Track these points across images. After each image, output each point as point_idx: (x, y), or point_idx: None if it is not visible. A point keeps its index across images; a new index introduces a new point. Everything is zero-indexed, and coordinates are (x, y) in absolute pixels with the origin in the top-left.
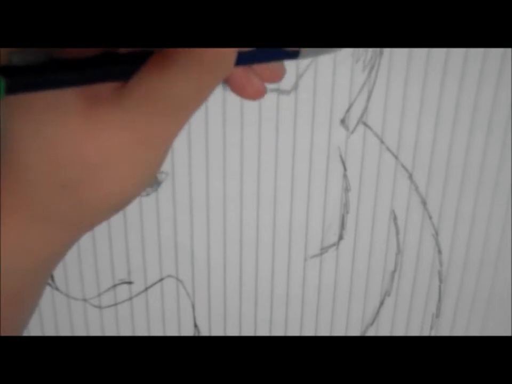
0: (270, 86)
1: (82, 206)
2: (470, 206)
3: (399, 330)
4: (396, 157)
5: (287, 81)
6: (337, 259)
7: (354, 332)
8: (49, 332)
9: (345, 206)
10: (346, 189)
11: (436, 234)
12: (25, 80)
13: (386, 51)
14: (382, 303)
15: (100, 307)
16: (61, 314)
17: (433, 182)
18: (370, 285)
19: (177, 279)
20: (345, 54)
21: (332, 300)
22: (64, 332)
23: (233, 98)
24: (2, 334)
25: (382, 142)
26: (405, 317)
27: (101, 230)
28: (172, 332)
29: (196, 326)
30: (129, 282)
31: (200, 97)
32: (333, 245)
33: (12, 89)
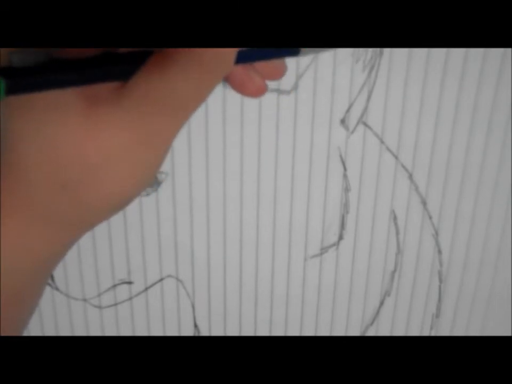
0: (270, 86)
1: (82, 206)
2: (470, 206)
3: (399, 330)
4: (396, 157)
5: (287, 81)
6: (337, 259)
7: (354, 332)
8: (49, 331)
9: (345, 206)
10: (346, 189)
11: (436, 234)
12: (25, 80)
13: (386, 51)
14: (382, 303)
15: (100, 307)
16: (61, 314)
17: (433, 182)
18: (370, 285)
19: (177, 279)
20: (345, 54)
21: (332, 300)
22: (64, 332)
23: (233, 97)
24: (2, 334)
25: (382, 142)
26: (405, 317)
27: (101, 230)
28: (171, 332)
29: (195, 326)
30: (129, 282)
31: (200, 97)
32: (333, 245)
33: (12, 90)
